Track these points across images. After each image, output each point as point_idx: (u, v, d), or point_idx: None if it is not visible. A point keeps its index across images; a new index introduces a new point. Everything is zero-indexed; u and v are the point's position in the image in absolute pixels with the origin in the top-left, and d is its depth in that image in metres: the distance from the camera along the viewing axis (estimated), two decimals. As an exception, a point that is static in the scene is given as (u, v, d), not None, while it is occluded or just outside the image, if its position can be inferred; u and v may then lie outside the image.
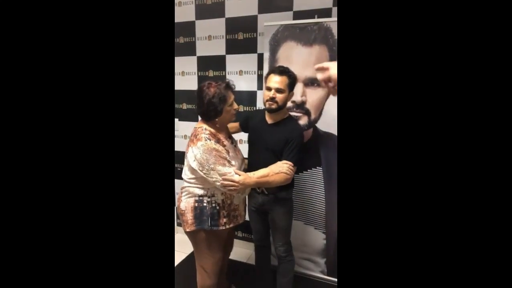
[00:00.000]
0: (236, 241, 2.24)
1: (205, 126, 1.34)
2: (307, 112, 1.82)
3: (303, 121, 1.84)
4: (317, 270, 1.97)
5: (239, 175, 1.26)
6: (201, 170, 1.27)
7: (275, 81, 1.35)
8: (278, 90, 1.35)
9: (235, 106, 1.36)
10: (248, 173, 1.31)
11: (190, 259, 2.08)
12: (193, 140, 1.30)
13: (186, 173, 1.37)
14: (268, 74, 1.40)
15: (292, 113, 1.82)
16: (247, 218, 1.63)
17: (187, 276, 1.80)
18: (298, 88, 1.80)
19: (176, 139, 2.40)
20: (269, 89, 1.36)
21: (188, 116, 2.29)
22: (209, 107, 1.28)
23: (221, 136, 1.37)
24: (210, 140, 1.28)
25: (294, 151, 1.36)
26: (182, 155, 2.24)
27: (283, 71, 1.37)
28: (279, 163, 1.34)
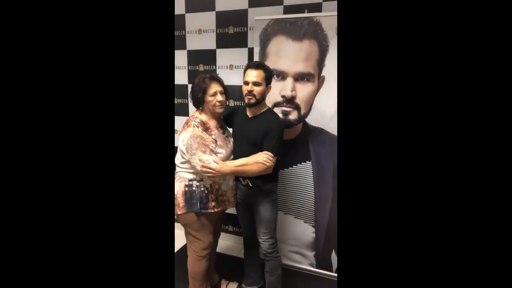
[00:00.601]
0: (227, 236, 2.29)
1: (197, 114, 1.44)
2: (297, 107, 1.83)
3: (293, 116, 1.85)
4: (306, 263, 2.00)
5: (217, 163, 1.32)
6: (186, 154, 1.37)
7: (252, 75, 1.39)
8: (255, 84, 1.38)
9: (219, 97, 1.40)
10: (226, 162, 1.38)
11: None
12: (184, 127, 1.40)
13: (178, 158, 1.45)
14: (245, 69, 1.44)
15: (283, 108, 1.84)
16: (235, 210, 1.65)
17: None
18: (288, 83, 1.81)
19: None
20: (246, 83, 1.40)
21: (179, 111, 2.28)
22: (192, 95, 1.43)
23: (212, 125, 1.43)
24: (197, 127, 1.37)
25: (273, 142, 1.38)
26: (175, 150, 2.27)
27: (259, 65, 1.41)
28: (258, 153, 1.38)
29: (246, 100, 1.42)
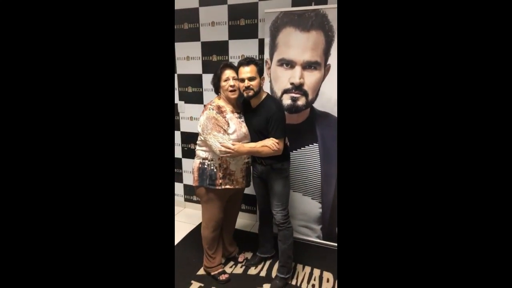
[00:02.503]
0: (240, 213, 2.44)
1: (215, 100, 1.60)
2: (305, 93, 1.98)
3: (301, 101, 2.00)
4: (313, 236, 2.19)
5: (234, 144, 1.48)
6: (202, 134, 1.52)
7: (246, 71, 1.49)
8: (251, 79, 1.49)
9: (231, 82, 1.52)
10: (242, 143, 1.54)
11: (194, 231, 2.28)
12: (203, 110, 1.57)
13: (198, 138, 1.62)
14: (238, 67, 1.54)
15: (292, 94, 1.98)
16: (249, 192, 1.80)
17: (192, 246, 2.02)
18: (297, 71, 1.95)
19: (182, 121, 2.53)
20: (242, 80, 1.50)
21: (193, 99, 2.40)
22: (212, 82, 1.61)
23: (228, 109, 1.57)
24: (213, 110, 1.53)
25: (275, 127, 1.51)
26: (189, 135, 2.38)
27: (250, 61, 1.51)
28: (267, 139, 1.52)
29: (245, 95, 1.53)
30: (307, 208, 2.15)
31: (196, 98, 2.40)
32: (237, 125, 1.56)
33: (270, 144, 1.50)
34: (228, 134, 1.52)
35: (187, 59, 2.36)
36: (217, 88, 1.60)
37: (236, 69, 1.54)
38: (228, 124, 1.54)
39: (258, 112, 1.56)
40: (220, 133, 1.49)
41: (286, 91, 2.00)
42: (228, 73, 1.53)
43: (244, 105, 1.65)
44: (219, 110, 1.55)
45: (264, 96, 1.59)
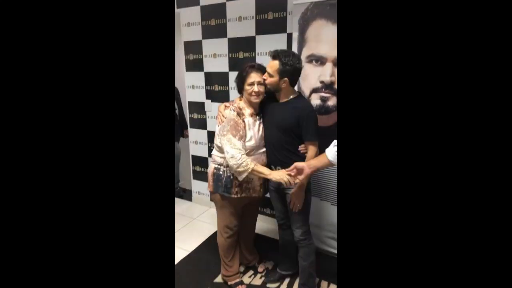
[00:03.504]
0: (264, 218, 2.37)
1: (237, 100, 1.54)
2: (336, 93, 1.79)
3: (331, 102, 1.82)
4: (342, 249, 2.00)
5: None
6: (218, 135, 1.48)
7: (256, 76, 1.42)
8: (269, 74, 1.39)
9: (256, 88, 1.43)
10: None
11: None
12: (224, 108, 1.53)
13: (215, 140, 1.55)
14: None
15: (321, 94, 1.81)
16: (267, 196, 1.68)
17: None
18: (328, 68, 1.77)
19: (209, 120, 2.50)
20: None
21: (220, 98, 2.35)
22: (236, 82, 1.52)
23: (247, 113, 1.49)
24: (233, 111, 1.47)
25: (310, 130, 1.41)
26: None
27: (275, 55, 1.39)
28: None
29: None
30: (335, 218, 1.96)
31: (223, 97, 2.34)
32: (255, 131, 1.49)
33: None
34: (243, 140, 1.44)
35: (214, 56, 2.31)
36: (240, 89, 1.52)
37: (263, 71, 1.45)
38: (245, 128, 1.47)
39: (285, 108, 1.45)
40: (236, 138, 1.41)
41: (315, 90, 1.84)
42: (254, 76, 1.44)
43: (268, 97, 1.53)
44: (240, 112, 1.48)
45: (293, 95, 1.48)
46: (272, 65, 1.39)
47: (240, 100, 1.53)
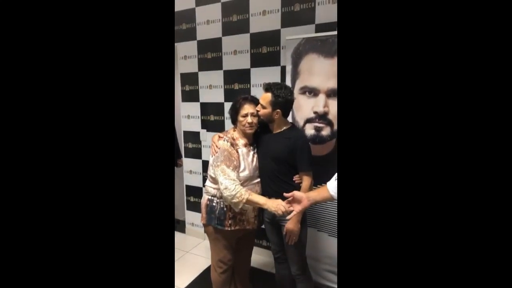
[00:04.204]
0: (260, 250, 2.29)
1: (231, 131, 1.54)
2: (329, 123, 1.82)
3: (325, 131, 1.84)
4: (341, 283, 1.92)
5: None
6: (211, 165, 1.46)
7: (249, 107, 1.43)
8: (262, 106, 1.42)
9: (249, 119, 1.45)
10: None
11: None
12: (218, 139, 1.52)
13: (209, 171, 1.53)
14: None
15: (315, 124, 1.84)
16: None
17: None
18: (321, 99, 1.81)
19: (204, 149, 2.49)
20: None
21: (215, 127, 2.37)
22: (229, 112, 1.53)
23: (240, 143, 1.50)
24: (227, 142, 1.46)
25: (304, 160, 1.41)
26: (208, 164, 2.32)
27: (268, 88, 1.42)
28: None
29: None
30: (334, 250, 1.90)
31: (218, 126, 2.36)
32: (249, 161, 1.48)
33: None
34: (237, 170, 1.43)
35: (210, 87, 2.35)
36: (234, 120, 1.53)
37: (256, 103, 1.48)
38: (239, 159, 1.46)
39: (279, 139, 1.47)
40: (229, 168, 1.40)
41: (309, 121, 1.87)
42: (247, 108, 1.46)
43: (263, 128, 1.54)
44: (234, 142, 1.49)
45: (286, 126, 1.49)
46: (265, 97, 1.42)
47: (234, 130, 1.54)
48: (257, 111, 1.45)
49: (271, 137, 1.50)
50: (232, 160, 1.42)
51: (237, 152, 1.46)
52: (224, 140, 1.47)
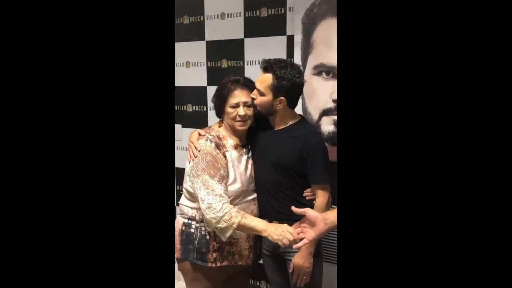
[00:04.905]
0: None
1: (216, 127, 1.35)
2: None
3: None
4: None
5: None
6: (189, 174, 1.26)
7: (241, 94, 1.27)
8: (247, 104, 1.26)
9: (241, 111, 1.24)
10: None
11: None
12: (198, 138, 1.33)
13: (185, 183, 1.32)
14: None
15: (334, 118, 1.62)
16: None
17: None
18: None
19: (177, 152, 2.14)
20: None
21: (194, 121, 2.04)
22: (213, 102, 1.35)
23: (229, 143, 1.30)
24: (211, 142, 1.26)
25: (318, 168, 1.22)
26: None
27: (267, 67, 1.22)
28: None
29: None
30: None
31: (199, 120, 2.02)
32: (241, 170, 1.29)
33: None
34: (225, 182, 1.22)
35: (187, 65, 2.01)
36: (219, 112, 1.32)
37: (251, 88, 1.28)
38: (227, 167, 1.26)
39: (282, 138, 1.29)
40: (214, 179, 1.18)
41: (326, 112, 1.63)
42: (239, 95, 1.26)
43: (259, 123, 1.36)
44: (220, 142, 1.29)
45: (293, 120, 1.30)
46: (264, 80, 1.22)
47: (220, 126, 1.34)
48: (253, 99, 1.25)
49: (272, 135, 1.31)
50: (217, 167, 1.21)
51: (225, 156, 1.26)
52: (206, 140, 1.27)
